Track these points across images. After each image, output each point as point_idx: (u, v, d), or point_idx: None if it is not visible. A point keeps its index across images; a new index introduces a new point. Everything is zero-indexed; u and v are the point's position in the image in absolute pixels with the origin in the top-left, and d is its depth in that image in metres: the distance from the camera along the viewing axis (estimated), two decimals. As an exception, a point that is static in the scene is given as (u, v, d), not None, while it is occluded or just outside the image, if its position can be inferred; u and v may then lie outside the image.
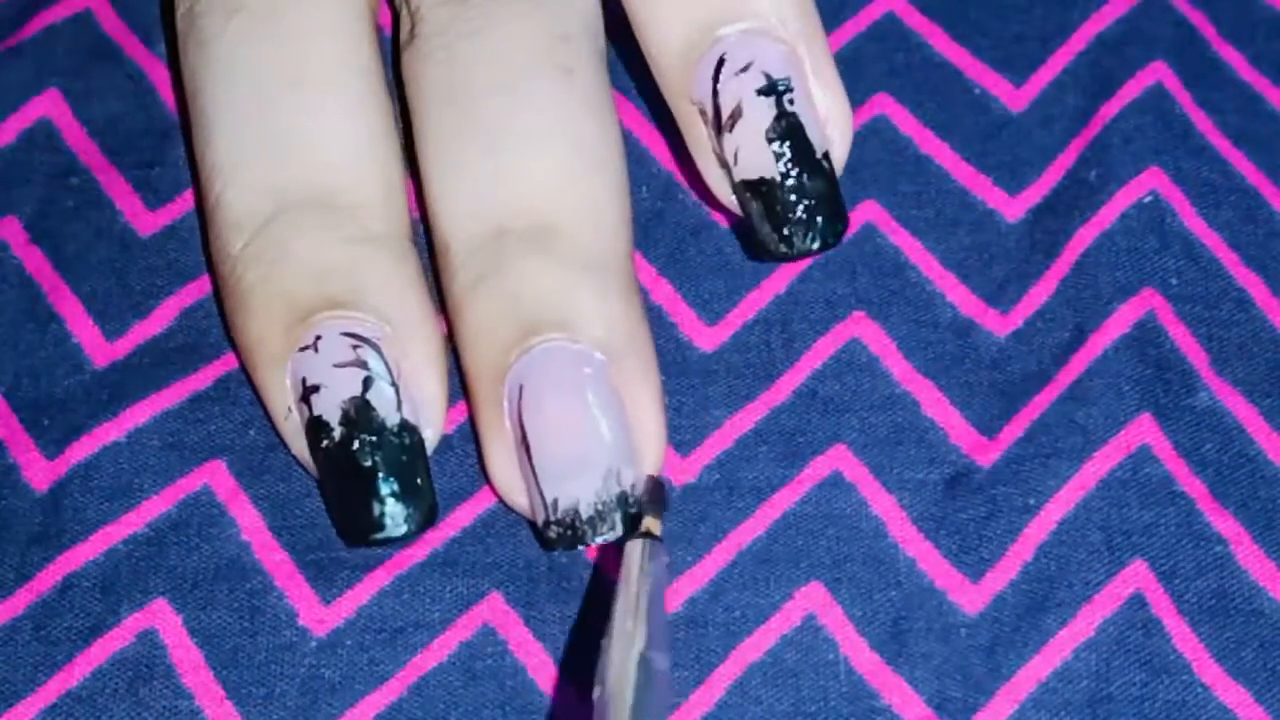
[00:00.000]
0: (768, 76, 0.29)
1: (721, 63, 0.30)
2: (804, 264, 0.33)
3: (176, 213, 0.34)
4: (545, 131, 0.30)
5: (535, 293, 0.29)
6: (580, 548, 0.29)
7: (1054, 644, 0.29)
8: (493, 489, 0.30)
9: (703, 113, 0.30)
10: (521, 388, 0.29)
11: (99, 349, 0.32)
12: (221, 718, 0.29)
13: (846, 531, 0.30)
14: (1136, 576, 0.30)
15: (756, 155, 0.29)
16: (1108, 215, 0.33)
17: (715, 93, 0.30)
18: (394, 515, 0.29)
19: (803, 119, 0.30)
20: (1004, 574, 0.30)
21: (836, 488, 0.31)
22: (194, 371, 0.32)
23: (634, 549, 0.28)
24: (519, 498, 0.30)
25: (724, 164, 0.30)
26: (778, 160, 0.29)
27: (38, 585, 0.30)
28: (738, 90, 0.29)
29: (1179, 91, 0.34)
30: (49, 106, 0.35)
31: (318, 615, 0.30)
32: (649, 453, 0.29)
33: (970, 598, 0.30)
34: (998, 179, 0.34)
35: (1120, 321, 0.32)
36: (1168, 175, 0.33)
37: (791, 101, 0.29)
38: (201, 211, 0.32)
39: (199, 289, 0.33)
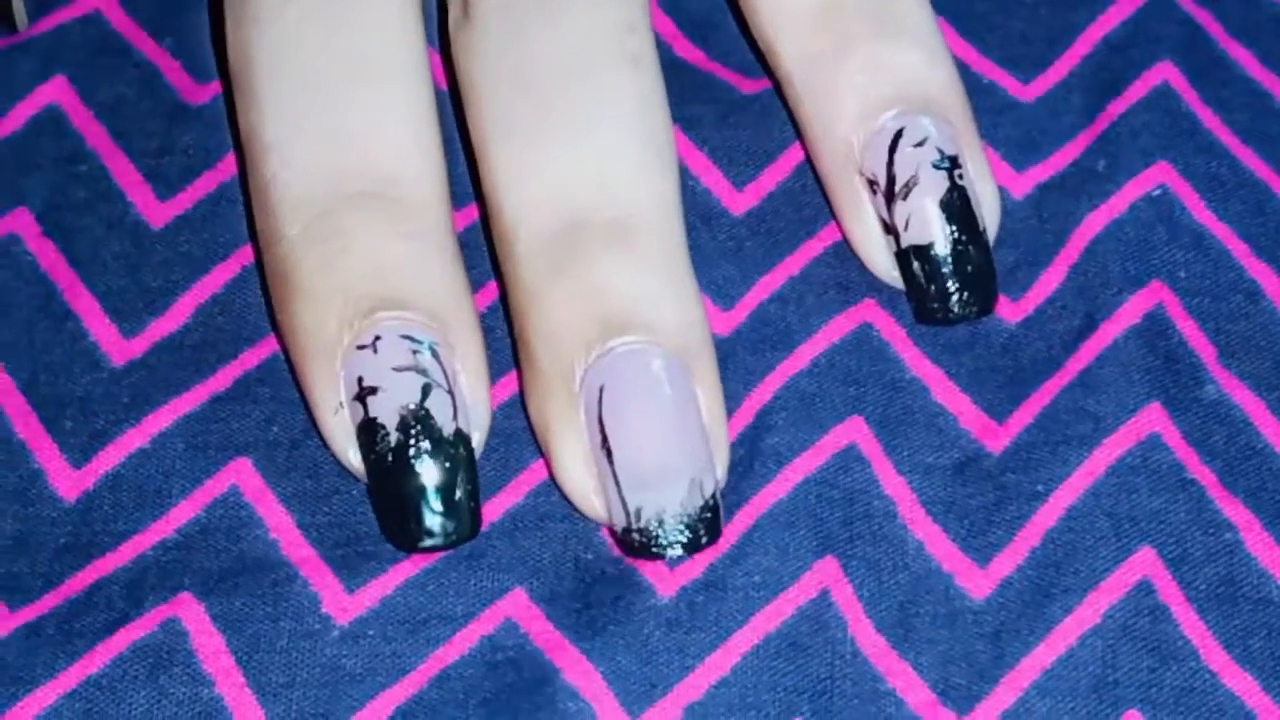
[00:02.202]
0: (941, 152, 0.31)
1: (899, 135, 0.31)
2: (819, 248, 0.33)
3: (187, 202, 0.34)
4: (623, 124, 0.30)
5: (617, 291, 0.29)
6: (664, 558, 0.29)
7: (1060, 630, 0.29)
8: (562, 490, 0.30)
9: (871, 182, 0.31)
10: (602, 388, 0.29)
11: (116, 347, 0.32)
12: (241, 705, 0.29)
13: (860, 508, 0.30)
14: (1144, 563, 0.30)
15: (927, 222, 0.31)
16: (1118, 204, 0.33)
17: (891, 162, 0.31)
18: (445, 524, 0.29)
19: (969, 193, 0.31)
20: (1011, 559, 0.30)
21: (854, 459, 0.31)
22: (213, 370, 0.32)
23: None
24: (594, 500, 0.29)
25: (889, 230, 0.31)
26: (947, 227, 0.31)
27: (65, 590, 0.30)
28: (914, 161, 0.31)
29: (1186, 89, 0.35)
30: (56, 93, 0.35)
31: (341, 603, 0.29)
32: (720, 459, 0.29)
33: (977, 582, 0.30)
34: (1005, 154, 0.34)
35: (1131, 311, 0.32)
36: (1176, 170, 0.34)
37: (961, 177, 0.31)
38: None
39: (214, 282, 0.33)
